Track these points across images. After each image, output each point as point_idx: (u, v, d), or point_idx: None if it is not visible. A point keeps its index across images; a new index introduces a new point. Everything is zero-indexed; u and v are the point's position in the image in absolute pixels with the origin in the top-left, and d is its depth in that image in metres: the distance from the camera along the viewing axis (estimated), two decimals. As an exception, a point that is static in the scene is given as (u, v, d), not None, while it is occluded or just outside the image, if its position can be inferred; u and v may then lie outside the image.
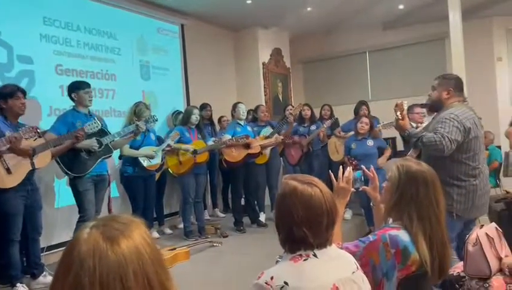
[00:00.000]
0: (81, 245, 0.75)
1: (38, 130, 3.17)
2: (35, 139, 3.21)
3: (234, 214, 5.38)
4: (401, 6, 6.66)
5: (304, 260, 1.28)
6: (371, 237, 1.68)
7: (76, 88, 3.82)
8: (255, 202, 5.53)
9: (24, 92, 3.44)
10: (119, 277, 0.72)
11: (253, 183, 5.44)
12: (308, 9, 6.54)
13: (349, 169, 1.93)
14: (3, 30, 4.11)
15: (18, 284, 3.31)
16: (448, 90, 2.78)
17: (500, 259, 2.10)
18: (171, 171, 5.00)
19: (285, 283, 1.23)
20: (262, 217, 5.54)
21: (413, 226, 1.65)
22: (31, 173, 3.37)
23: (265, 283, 1.25)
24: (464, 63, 5.52)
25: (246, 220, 5.44)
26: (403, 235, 1.64)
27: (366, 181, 2.65)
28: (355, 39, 7.76)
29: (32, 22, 4.37)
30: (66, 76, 4.59)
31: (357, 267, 1.38)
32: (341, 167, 1.97)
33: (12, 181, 3.17)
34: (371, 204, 2.12)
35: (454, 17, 5.56)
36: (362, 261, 1.61)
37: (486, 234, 2.15)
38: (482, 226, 2.26)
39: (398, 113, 2.76)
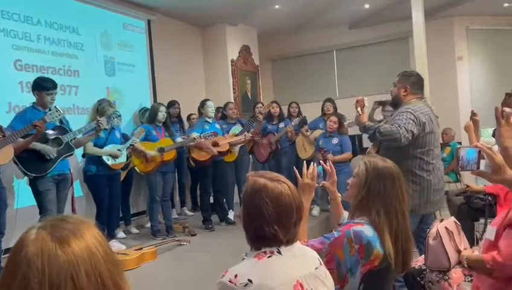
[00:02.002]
0: (28, 246, 0.72)
1: (1, 129, 3.03)
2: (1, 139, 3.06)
3: (202, 212, 5.34)
4: (366, 6, 6.79)
5: (268, 257, 1.28)
6: (335, 233, 1.70)
7: (40, 88, 3.66)
8: (224, 200, 5.51)
9: None
10: (70, 276, 0.70)
11: (222, 181, 5.41)
12: (276, 7, 6.56)
13: (313, 165, 1.94)
14: (-44, 23, 3.91)
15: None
16: (405, 88, 2.85)
17: (459, 252, 2.17)
18: (137, 170, 4.90)
19: (249, 280, 1.23)
20: (231, 215, 5.53)
21: (380, 221, 1.68)
22: None
23: (229, 281, 1.24)
24: (427, 61, 5.70)
25: (215, 218, 5.41)
26: (367, 231, 1.66)
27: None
28: (322, 37, 7.86)
29: (-12, 15, 4.18)
30: (25, 72, 4.42)
31: (320, 263, 1.39)
32: (305, 163, 1.97)
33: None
34: (328, 198, 2.13)
35: (417, 17, 5.72)
36: (327, 257, 1.62)
37: (446, 228, 2.21)
38: (442, 220, 2.33)
39: (359, 108, 2.85)
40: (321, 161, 2.38)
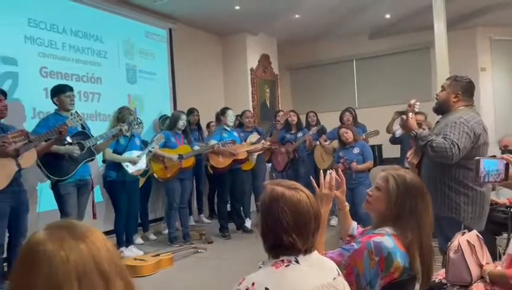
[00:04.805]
0: (44, 245, 0.73)
1: (28, 134, 3.12)
2: (25, 142, 3.15)
3: (219, 220, 5.35)
4: (387, 16, 6.75)
5: (286, 266, 1.27)
6: (355, 245, 1.67)
7: (57, 92, 3.81)
8: (241, 208, 5.51)
9: (4, 94, 3.38)
10: (94, 262, 0.73)
11: (239, 189, 5.42)
12: (297, 16, 6.59)
13: (329, 174, 1.91)
14: (-14, 31, 4.05)
15: (-2, 289, 3.24)
16: (456, 93, 2.66)
17: (481, 266, 2.11)
18: (156, 176, 4.95)
19: (266, 289, 1.22)
20: (248, 223, 5.52)
21: (413, 238, 1.65)
22: (17, 173, 3.31)
23: (246, 288, 1.23)
24: (449, 72, 5.61)
25: (232, 226, 5.41)
26: (387, 241, 1.64)
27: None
28: (342, 47, 7.84)
29: (16, 23, 4.31)
30: (50, 78, 4.53)
31: (339, 273, 1.37)
32: (321, 172, 1.94)
33: (-1, 184, 3.11)
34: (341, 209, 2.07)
35: (439, 27, 5.65)
36: (347, 270, 1.60)
37: (468, 241, 2.16)
38: (463, 233, 2.27)
39: (410, 113, 2.65)
40: (339, 169, 2.34)
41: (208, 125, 6.32)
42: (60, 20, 4.73)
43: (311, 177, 2.03)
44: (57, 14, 4.71)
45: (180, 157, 4.75)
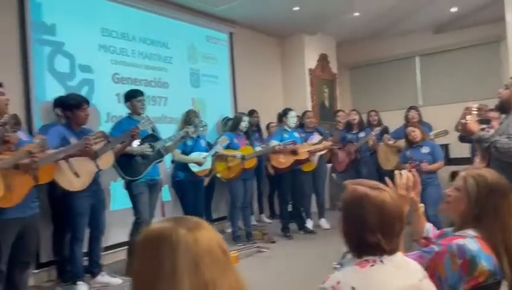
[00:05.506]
0: (177, 230, 0.84)
1: (107, 136, 3.35)
2: (104, 143, 3.38)
3: (281, 220, 5.39)
4: (453, 9, 6.46)
5: (371, 265, 1.28)
6: (435, 248, 1.62)
7: (130, 97, 4.05)
8: (302, 209, 5.51)
9: (88, 103, 3.64)
10: (216, 242, 0.87)
11: (300, 190, 5.43)
12: (356, 14, 6.48)
13: (405, 174, 1.87)
14: (66, 41, 4.36)
15: (79, 282, 3.48)
16: None
17: None
18: (219, 176, 5.09)
19: (352, 288, 1.23)
20: (309, 224, 5.51)
21: (498, 241, 1.60)
22: (96, 174, 3.55)
23: (332, 287, 1.25)
24: (522, 66, 5.27)
25: (293, 226, 5.43)
26: (471, 244, 1.58)
27: None
28: (404, 43, 7.60)
29: (91, 33, 4.61)
30: (122, 84, 4.80)
31: (425, 275, 1.35)
32: (396, 173, 1.90)
33: (81, 184, 3.37)
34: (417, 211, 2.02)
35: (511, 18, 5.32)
36: (429, 273, 1.57)
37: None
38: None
39: (468, 116, 2.62)
40: (412, 170, 2.26)
41: (268, 126, 6.39)
42: (130, 29, 4.99)
43: (385, 178, 2.00)
44: (127, 23, 4.98)
45: (243, 158, 4.85)
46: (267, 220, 6.28)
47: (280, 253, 4.56)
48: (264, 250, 4.55)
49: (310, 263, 4.10)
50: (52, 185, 3.39)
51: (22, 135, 2.68)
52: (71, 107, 3.52)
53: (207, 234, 0.86)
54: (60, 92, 4.16)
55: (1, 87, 2.58)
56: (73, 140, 3.39)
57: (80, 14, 4.51)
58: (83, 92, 4.30)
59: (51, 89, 4.18)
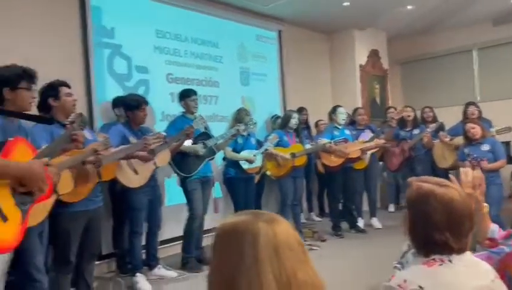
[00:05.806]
0: (257, 224, 0.87)
1: (165, 138, 3.48)
2: (161, 144, 3.51)
3: (332, 219, 5.34)
4: (515, -1, 6.11)
5: (439, 264, 1.25)
6: (505, 248, 1.56)
7: (184, 96, 4.19)
8: (353, 207, 5.43)
9: (147, 104, 3.79)
10: (292, 234, 0.89)
11: (351, 188, 5.35)
12: (409, 7, 6.28)
13: (470, 172, 1.80)
14: (123, 44, 4.55)
15: (138, 274, 3.64)
16: None
17: None
18: (269, 174, 5.11)
19: (420, 287, 1.20)
20: (360, 223, 5.42)
21: None
22: (154, 171, 3.69)
23: (398, 285, 1.23)
24: None
25: (344, 225, 5.37)
26: (543, 245, 1.51)
27: None
28: (460, 36, 7.28)
29: (146, 35, 4.78)
30: (175, 84, 4.94)
31: (496, 276, 1.30)
32: (461, 171, 1.83)
33: (139, 181, 3.53)
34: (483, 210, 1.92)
35: None
36: (498, 274, 1.51)
37: None
38: None
39: None
40: (477, 168, 2.17)
41: (316, 124, 6.34)
42: (183, 30, 5.13)
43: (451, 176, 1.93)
44: (180, 24, 5.12)
45: (293, 155, 4.84)
46: (317, 219, 6.25)
47: (331, 252, 4.52)
48: (315, 248, 4.53)
49: (362, 262, 4.05)
50: (112, 181, 3.56)
51: (87, 133, 2.83)
52: (131, 107, 3.68)
53: (284, 227, 0.88)
54: (118, 92, 4.36)
55: (69, 89, 2.74)
56: (132, 139, 3.54)
57: (135, 17, 4.69)
58: (140, 92, 4.47)
59: (110, 90, 4.38)
